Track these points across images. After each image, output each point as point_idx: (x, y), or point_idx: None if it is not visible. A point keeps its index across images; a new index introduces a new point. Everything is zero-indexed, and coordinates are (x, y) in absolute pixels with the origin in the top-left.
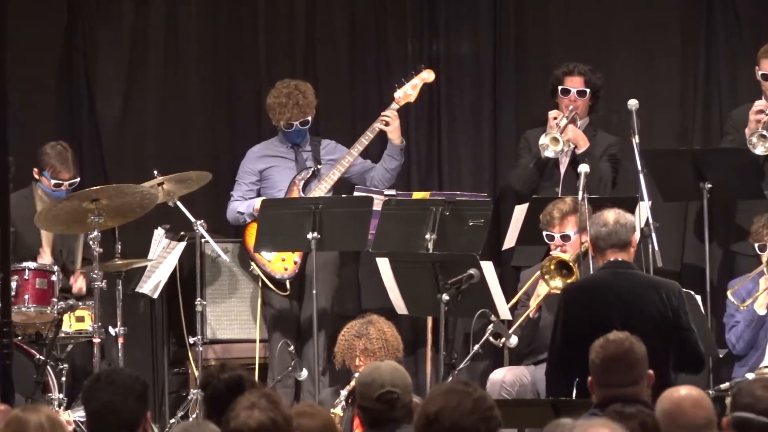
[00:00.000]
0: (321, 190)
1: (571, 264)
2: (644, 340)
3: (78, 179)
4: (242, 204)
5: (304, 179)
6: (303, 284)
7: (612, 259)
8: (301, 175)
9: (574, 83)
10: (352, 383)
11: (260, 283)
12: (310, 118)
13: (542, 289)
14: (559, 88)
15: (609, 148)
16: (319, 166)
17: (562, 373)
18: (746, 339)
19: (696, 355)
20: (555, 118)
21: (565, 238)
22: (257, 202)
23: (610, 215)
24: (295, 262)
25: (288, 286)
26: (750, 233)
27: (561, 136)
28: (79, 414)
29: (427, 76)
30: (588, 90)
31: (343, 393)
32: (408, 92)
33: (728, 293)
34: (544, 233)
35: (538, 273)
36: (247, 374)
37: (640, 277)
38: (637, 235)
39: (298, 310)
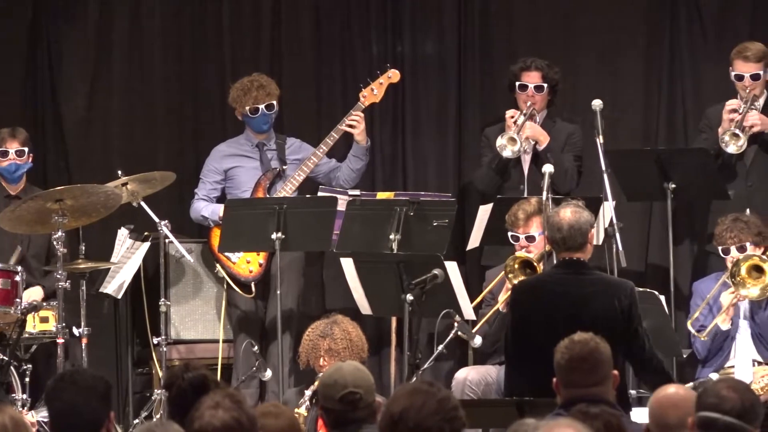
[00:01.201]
0: (286, 191)
1: (535, 263)
2: None
3: (30, 159)
4: (207, 208)
5: (269, 180)
6: (268, 284)
7: (566, 258)
8: (267, 175)
9: (532, 78)
10: (317, 383)
11: (225, 285)
12: (275, 103)
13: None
14: (517, 83)
15: (570, 137)
16: (284, 167)
17: (517, 370)
18: (713, 349)
19: (646, 355)
20: (512, 117)
21: (530, 239)
22: (221, 210)
23: (566, 216)
24: (260, 264)
25: (253, 288)
26: (714, 236)
27: (518, 136)
28: (42, 415)
29: (393, 76)
30: (545, 85)
31: (308, 393)
32: (373, 92)
33: (688, 324)
34: (510, 234)
35: (503, 273)
36: (211, 374)
37: (591, 276)
38: (594, 232)
39: (263, 310)
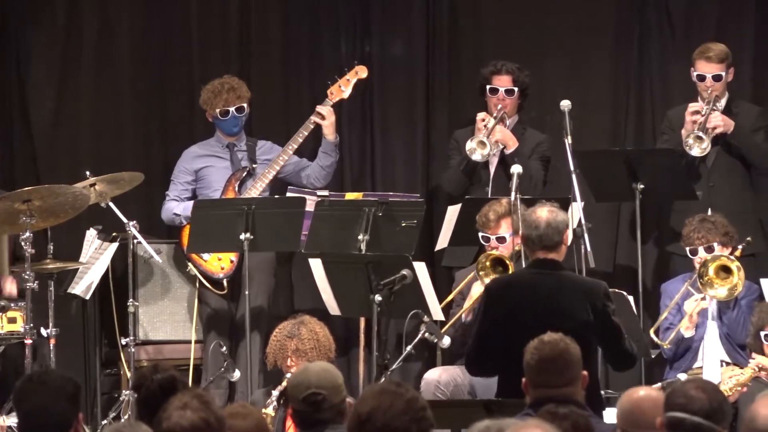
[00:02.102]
0: (256, 189)
1: (507, 261)
2: None
3: None
4: (179, 206)
5: (239, 179)
6: (240, 284)
7: (540, 258)
8: (237, 174)
9: (502, 82)
10: (284, 384)
11: (197, 284)
12: (245, 106)
13: (476, 291)
14: (487, 87)
15: (538, 146)
16: (254, 165)
17: (478, 368)
18: (678, 353)
19: (624, 353)
20: (483, 120)
21: (501, 240)
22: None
23: (543, 215)
24: (232, 261)
25: (225, 284)
26: (681, 236)
27: (488, 139)
28: (13, 420)
29: (360, 72)
30: (516, 89)
31: (275, 393)
32: (341, 89)
33: (651, 332)
34: (480, 234)
35: (473, 274)
36: (179, 375)
37: (564, 277)
38: (569, 233)
39: (234, 310)
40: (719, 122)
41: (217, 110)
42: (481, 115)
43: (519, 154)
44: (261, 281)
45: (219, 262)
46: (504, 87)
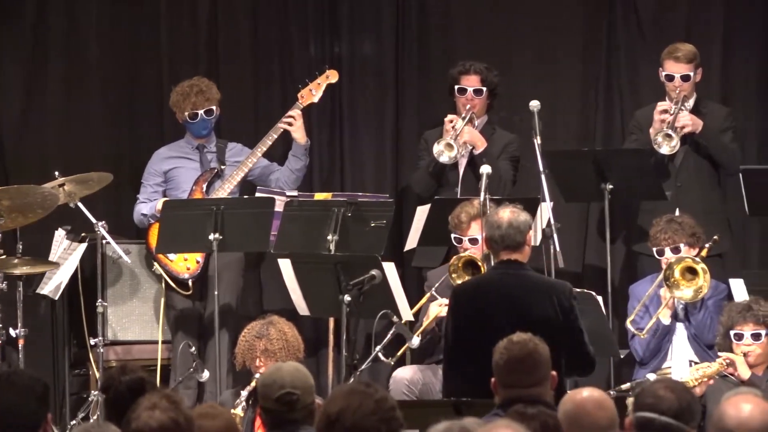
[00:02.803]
0: (224, 190)
1: (479, 263)
2: None
3: None
4: (146, 206)
5: (207, 180)
6: (207, 285)
7: (504, 259)
8: (205, 176)
9: (471, 82)
10: (253, 384)
11: (163, 284)
12: (214, 108)
13: (433, 310)
14: (456, 87)
15: (507, 146)
16: (222, 167)
17: (456, 371)
18: (652, 348)
19: (585, 357)
20: (450, 122)
21: (473, 241)
22: (159, 203)
23: (504, 215)
24: (198, 262)
25: (191, 285)
26: (649, 237)
27: (455, 141)
28: None
29: (331, 76)
30: (485, 88)
31: (244, 394)
32: (312, 92)
33: (627, 323)
34: (452, 236)
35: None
36: (148, 376)
37: (530, 277)
38: (532, 234)
39: (201, 310)
40: (688, 121)
41: (186, 113)
42: (448, 117)
43: (488, 154)
44: (229, 281)
45: (185, 263)
46: (472, 87)
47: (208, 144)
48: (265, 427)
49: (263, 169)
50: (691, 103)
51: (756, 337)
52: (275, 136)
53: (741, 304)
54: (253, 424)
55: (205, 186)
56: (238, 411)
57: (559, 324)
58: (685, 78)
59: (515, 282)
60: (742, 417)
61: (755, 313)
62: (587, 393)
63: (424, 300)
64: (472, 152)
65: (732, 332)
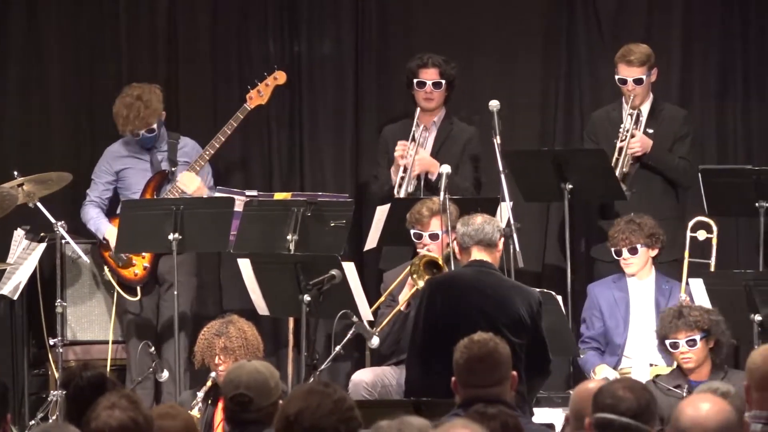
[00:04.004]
0: (173, 194)
1: (441, 263)
2: (506, 339)
3: None
4: (94, 222)
5: (158, 182)
6: (161, 286)
7: (477, 259)
8: (156, 178)
9: (429, 75)
10: (209, 383)
11: (115, 288)
12: (155, 126)
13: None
14: (414, 81)
15: (468, 143)
16: (173, 169)
17: (423, 368)
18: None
19: (546, 363)
20: (402, 157)
21: (434, 237)
22: (107, 233)
23: (478, 218)
24: (145, 268)
25: (139, 291)
26: (608, 237)
27: (408, 180)
28: None
29: (279, 77)
30: (443, 81)
31: (200, 394)
32: (260, 94)
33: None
34: (412, 232)
35: (406, 272)
36: (109, 374)
37: (505, 279)
38: (501, 239)
39: (154, 311)
40: (638, 147)
41: (126, 133)
42: (399, 150)
43: (450, 154)
44: (182, 282)
45: (132, 269)
46: (431, 80)
47: (159, 144)
48: (225, 421)
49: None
50: (648, 105)
51: (691, 343)
52: (223, 139)
53: (672, 312)
54: (212, 422)
55: (155, 187)
56: (195, 412)
57: (529, 327)
58: (638, 81)
59: (491, 280)
60: (698, 416)
61: (686, 319)
62: (593, 385)
63: (379, 302)
64: (427, 176)
65: (667, 342)
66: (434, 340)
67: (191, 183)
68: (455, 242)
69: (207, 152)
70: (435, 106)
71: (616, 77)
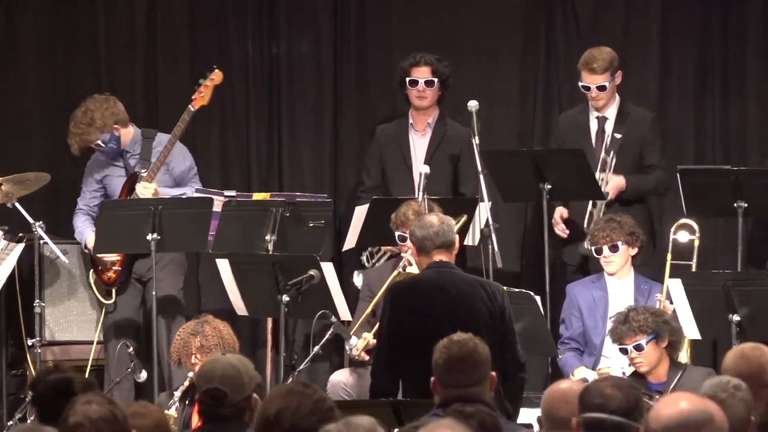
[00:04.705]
0: (143, 194)
1: None
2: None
3: None
4: (80, 230)
5: (130, 185)
6: (143, 285)
7: (436, 260)
8: (129, 181)
9: (422, 73)
10: (186, 383)
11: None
12: (101, 141)
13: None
14: (407, 80)
15: (465, 145)
16: (143, 171)
17: (391, 374)
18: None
19: (515, 359)
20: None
21: None
22: (88, 241)
23: (433, 218)
24: (115, 271)
25: (113, 293)
26: (589, 236)
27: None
28: None
29: (216, 77)
30: (436, 80)
31: (177, 394)
32: (201, 95)
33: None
34: (397, 234)
35: (396, 272)
36: (79, 376)
37: (464, 275)
38: (471, 232)
39: (137, 311)
40: (612, 195)
41: (74, 144)
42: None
43: (445, 156)
44: (167, 282)
45: (107, 273)
46: (423, 78)
47: (132, 147)
48: (200, 415)
49: (182, 173)
50: (614, 108)
51: (638, 347)
52: (171, 145)
53: (620, 317)
54: (189, 422)
55: (128, 192)
56: (172, 411)
57: (497, 321)
58: (601, 88)
59: (451, 279)
60: (664, 414)
61: (630, 325)
62: (566, 384)
63: (374, 301)
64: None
65: (618, 348)
66: (401, 345)
67: (146, 193)
68: (414, 247)
69: (159, 160)
70: (428, 105)
71: (580, 84)
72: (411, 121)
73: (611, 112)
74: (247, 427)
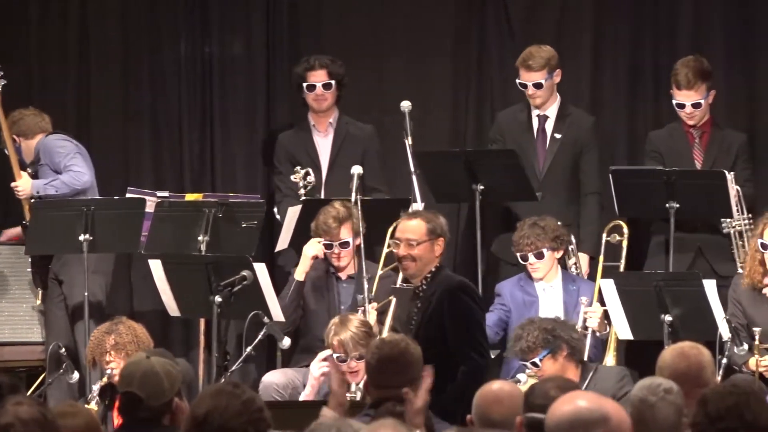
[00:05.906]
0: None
1: None
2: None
3: None
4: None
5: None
6: (63, 286)
7: None
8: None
9: (318, 77)
10: (105, 379)
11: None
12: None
13: (310, 251)
14: (304, 85)
15: (369, 142)
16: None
17: None
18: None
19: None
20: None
21: (344, 245)
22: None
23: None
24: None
25: (39, 294)
26: (513, 242)
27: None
28: None
29: None
30: (333, 81)
31: (95, 388)
32: None
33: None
34: (322, 243)
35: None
36: (8, 379)
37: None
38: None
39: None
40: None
41: None
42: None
43: (350, 154)
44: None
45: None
46: (320, 82)
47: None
48: (119, 413)
49: (57, 165)
50: (555, 108)
51: (534, 365)
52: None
53: (516, 334)
54: (104, 418)
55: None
56: (92, 405)
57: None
58: (538, 86)
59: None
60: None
61: (521, 344)
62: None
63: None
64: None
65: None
66: None
67: (23, 188)
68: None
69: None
70: (327, 107)
71: (517, 81)
72: (312, 123)
73: (552, 111)
74: (166, 430)
